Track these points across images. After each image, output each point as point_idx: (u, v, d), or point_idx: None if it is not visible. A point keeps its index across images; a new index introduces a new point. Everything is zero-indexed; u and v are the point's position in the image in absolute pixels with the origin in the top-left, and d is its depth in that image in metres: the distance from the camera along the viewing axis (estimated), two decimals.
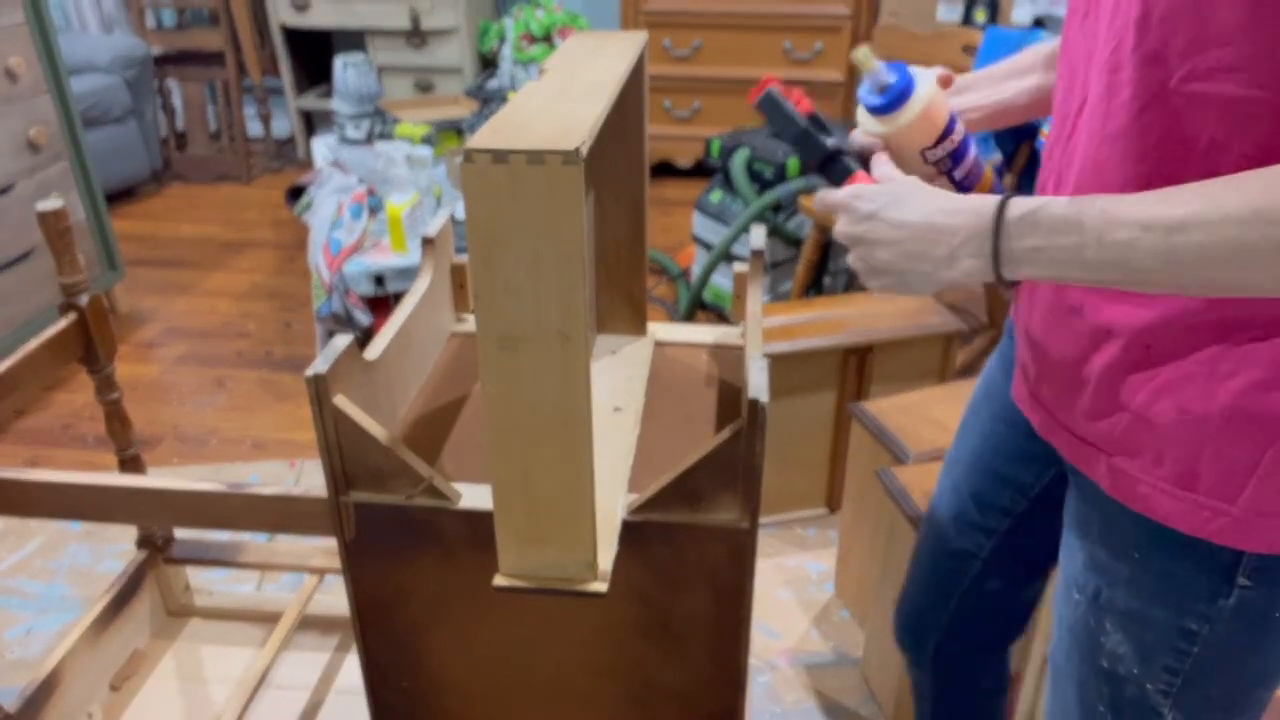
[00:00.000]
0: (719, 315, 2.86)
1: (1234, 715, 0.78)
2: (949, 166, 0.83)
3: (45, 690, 1.36)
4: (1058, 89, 0.77)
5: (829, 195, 0.76)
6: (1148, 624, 0.74)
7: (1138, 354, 0.69)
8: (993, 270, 0.66)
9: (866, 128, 0.83)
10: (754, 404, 0.87)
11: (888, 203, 0.71)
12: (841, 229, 0.75)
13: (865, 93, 0.82)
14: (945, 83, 0.85)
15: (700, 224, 2.83)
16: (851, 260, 0.76)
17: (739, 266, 1.19)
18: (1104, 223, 0.61)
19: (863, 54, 0.80)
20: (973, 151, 0.84)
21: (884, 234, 0.71)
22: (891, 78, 0.81)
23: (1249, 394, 0.64)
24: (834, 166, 0.86)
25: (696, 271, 2.81)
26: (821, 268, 2.64)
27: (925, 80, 0.82)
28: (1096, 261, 0.61)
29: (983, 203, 0.67)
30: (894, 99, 0.81)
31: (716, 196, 2.79)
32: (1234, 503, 0.66)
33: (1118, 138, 0.66)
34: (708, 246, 2.80)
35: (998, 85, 0.90)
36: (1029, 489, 0.95)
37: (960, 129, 0.83)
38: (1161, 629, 0.73)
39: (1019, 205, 0.65)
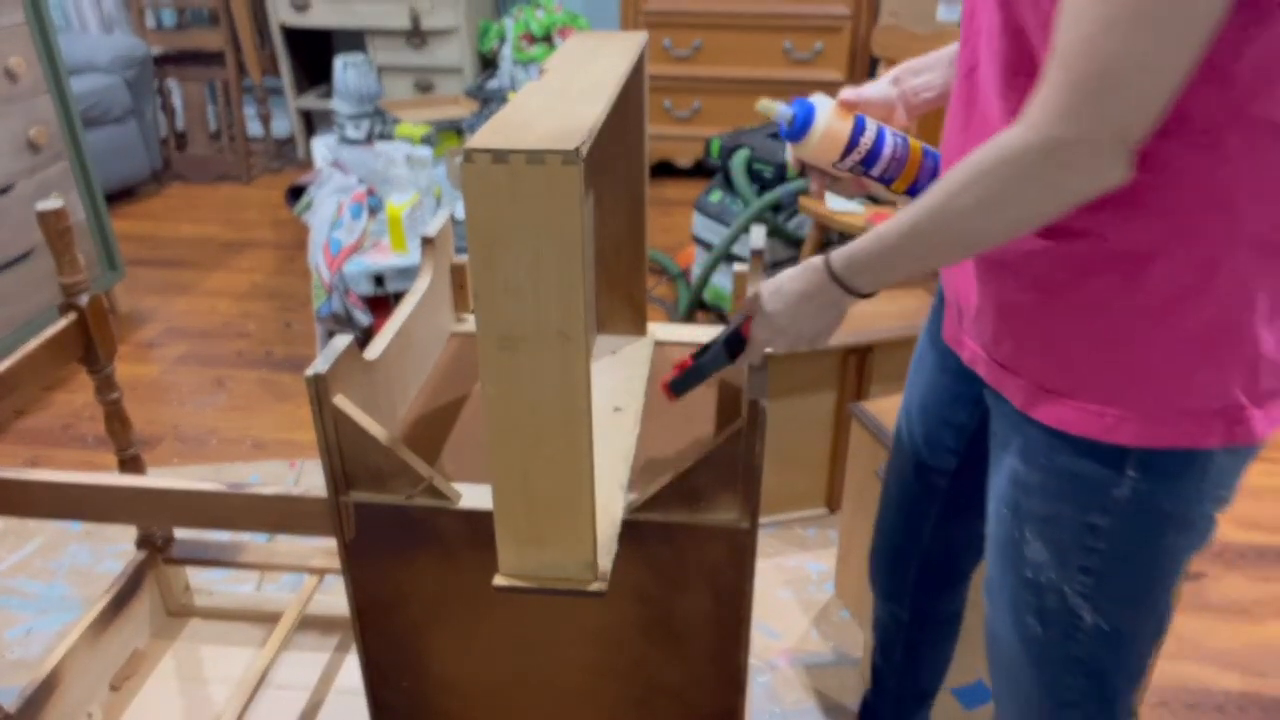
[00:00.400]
0: (719, 315, 2.86)
1: (1144, 611, 0.88)
2: (863, 170, 0.98)
3: (45, 690, 1.36)
4: (960, 51, 0.89)
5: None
6: (1058, 524, 0.85)
7: (1028, 283, 0.81)
8: (855, 295, 0.85)
9: (792, 154, 1.01)
10: (754, 404, 0.87)
11: (772, 316, 0.91)
12: (765, 335, 0.93)
13: (781, 132, 0.98)
14: (848, 106, 0.99)
15: (700, 224, 2.83)
16: (779, 345, 0.93)
17: (739, 266, 1.19)
18: (883, 236, 0.80)
19: (763, 105, 0.98)
20: (887, 149, 0.98)
21: (783, 328, 0.91)
22: (789, 114, 0.96)
23: (1120, 315, 0.77)
24: (726, 348, 1.00)
25: (696, 271, 2.81)
26: None
27: (823, 108, 0.96)
28: (905, 260, 0.80)
29: (813, 269, 0.87)
30: (797, 130, 0.96)
31: (716, 196, 2.79)
32: (1112, 405, 0.78)
33: (996, 98, 0.80)
34: (707, 246, 2.80)
35: (949, 66, 1.00)
36: (967, 428, 1.05)
37: (869, 136, 0.97)
38: (1070, 527, 0.84)
39: (837, 259, 0.85)
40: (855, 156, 0.97)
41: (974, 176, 0.72)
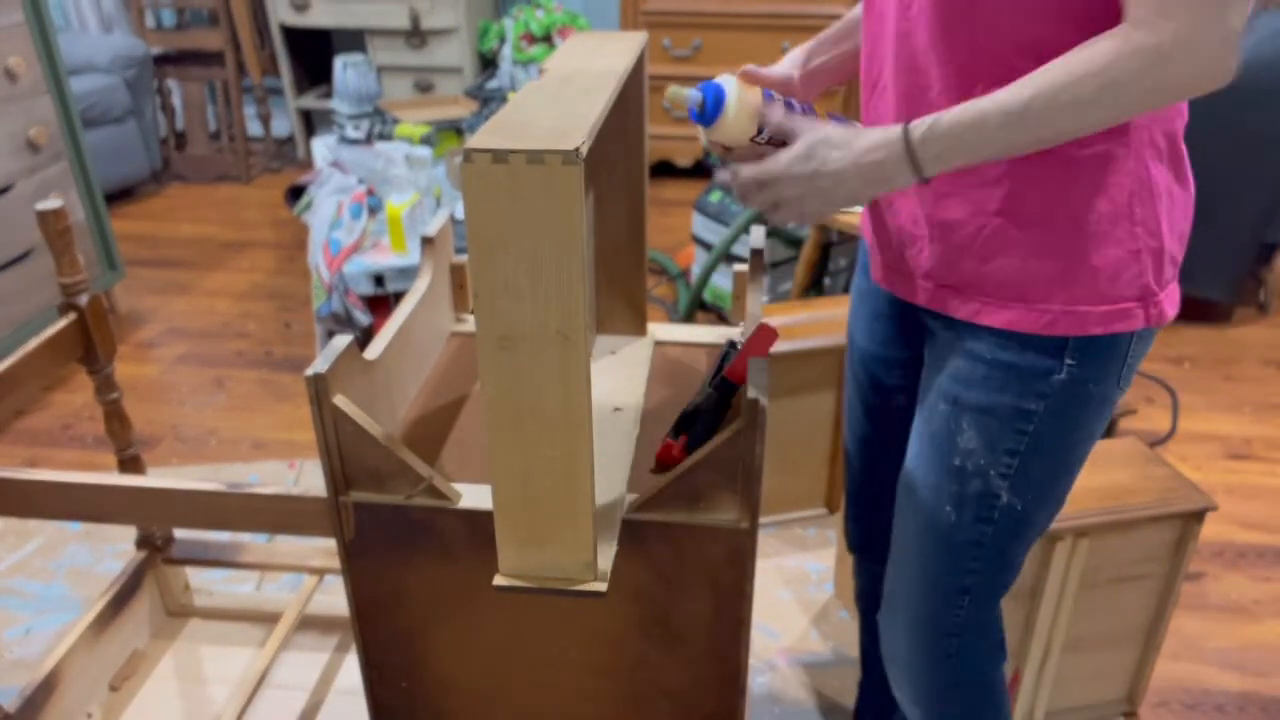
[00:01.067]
0: (719, 315, 2.86)
1: (1050, 494, 0.99)
2: (780, 142, 0.95)
3: (45, 690, 1.36)
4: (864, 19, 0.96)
5: (757, 176, 0.90)
6: (995, 411, 0.94)
7: (965, 203, 0.90)
8: (919, 177, 0.84)
9: (707, 138, 0.99)
10: (754, 404, 0.87)
11: (814, 170, 0.87)
12: (769, 198, 0.90)
13: (692, 116, 0.96)
14: (749, 79, 0.99)
15: (700, 224, 2.83)
16: (777, 218, 0.91)
17: (739, 266, 1.19)
18: (985, 113, 0.80)
19: (671, 93, 0.95)
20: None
21: (812, 188, 0.87)
22: (698, 98, 0.94)
23: (1061, 226, 0.87)
24: (717, 408, 1.01)
25: (696, 271, 2.81)
26: (821, 268, 2.64)
27: (730, 85, 0.95)
28: (992, 142, 0.81)
29: (887, 138, 0.84)
30: (710, 113, 0.94)
31: (716, 196, 2.79)
32: (1053, 303, 0.89)
33: (929, 49, 0.87)
34: (707, 246, 2.80)
35: (835, 44, 1.08)
36: (908, 361, 1.12)
37: (778, 108, 0.95)
38: (1007, 413, 0.94)
39: (917, 127, 0.83)
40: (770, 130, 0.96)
41: (1098, 69, 0.76)
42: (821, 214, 0.90)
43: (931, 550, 1.02)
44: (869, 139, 0.85)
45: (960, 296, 0.94)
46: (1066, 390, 0.92)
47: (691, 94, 0.96)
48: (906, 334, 1.10)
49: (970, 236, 0.91)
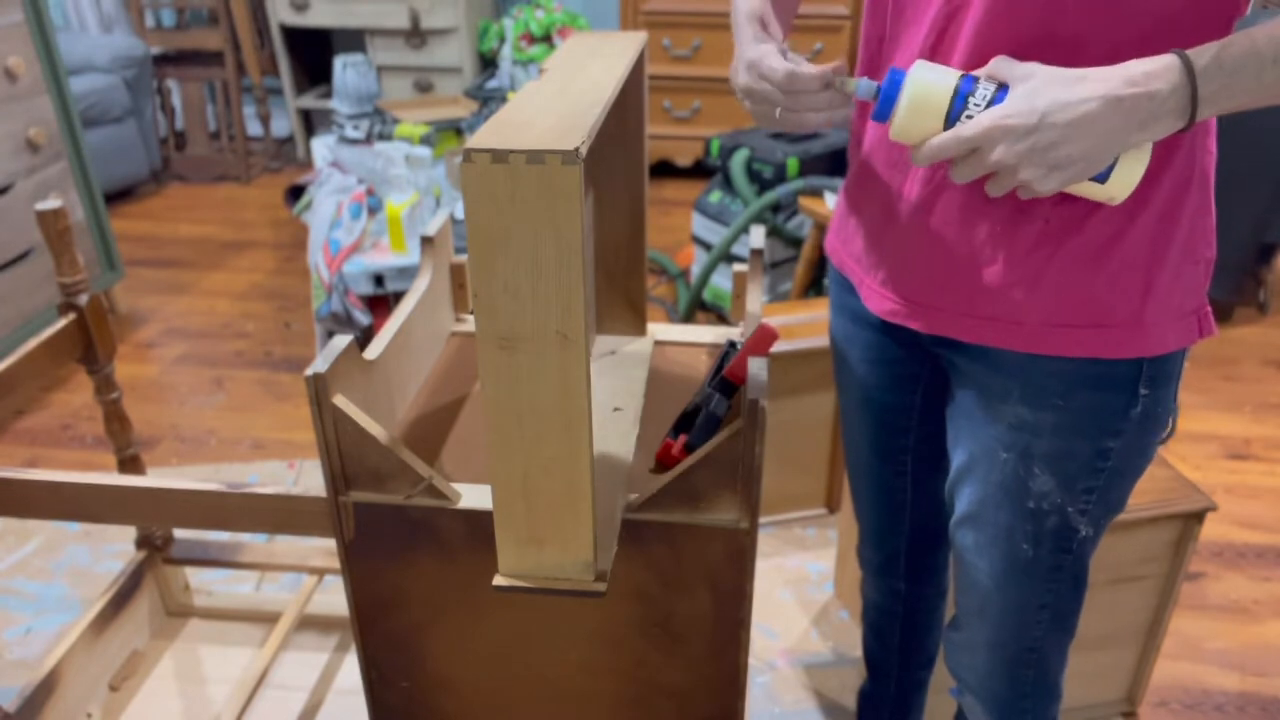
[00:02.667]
0: (719, 315, 2.86)
1: (1118, 510, 0.97)
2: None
3: (44, 690, 1.36)
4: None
5: (959, 135, 0.76)
6: (1071, 456, 0.90)
7: (1035, 222, 0.84)
8: (1188, 119, 0.73)
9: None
10: (754, 404, 0.87)
11: (1047, 107, 0.73)
12: (1002, 156, 0.74)
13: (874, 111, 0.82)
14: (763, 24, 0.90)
15: (700, 224, 2.83)
16: (1025, 176, 0.75)
17: (739, 266, 1.19)
18: (1258, 46, 0.71)
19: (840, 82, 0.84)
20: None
21: (1063, 133, 0.73)
22: (870, 89, 0.82)
23: (1124, 241, 0.83)
24: (716, 408, 0.98)
25: (696, 272, 2.81)
26: (821, 268, 2.64)
27: (910, 74, 0.79)
28: (1273, 80, 0.71)
29: (1164, 65, 0.72)
30: (881, 109, 0.81)
31: (716, 197, 2.79)
32: (1121, 324, 0.84)
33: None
34: (707, 247, 2.80)
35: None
36: (916, 404, 1.09)
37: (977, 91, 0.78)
38: (1084, 457, 0.89)
39: (1201, 55, 0.72)
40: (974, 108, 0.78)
41: None
42: (1083, 169, 0.74)
43: (1011, 582, 0.99)
44: (1133, 68, 0.72)
45: (1014, 325, 0.87)
46: (1141, 420, 0.89)
47: (863, 84, 0.82)
48: (913, 375, 1.06)
49: (1035, 258, 0.85)
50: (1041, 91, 0.73)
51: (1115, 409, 0.88)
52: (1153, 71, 0.72)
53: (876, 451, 1.16)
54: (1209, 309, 0.89)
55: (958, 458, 0.99)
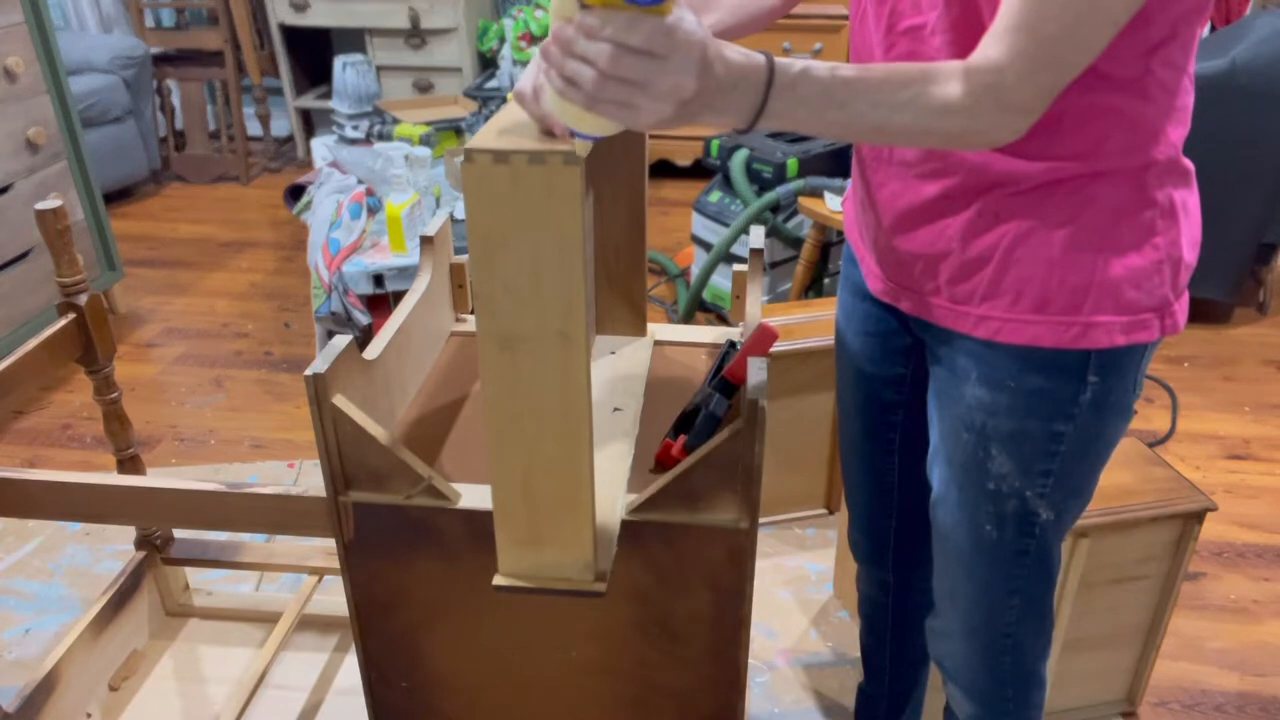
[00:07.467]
0: (719, 315, 2.86)
1: (1083, 496, 1.00)
2: None
3: (44, 690, 1.36)
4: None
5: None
6: (1025, 437, 0.93)
7: (988, 220, 0.88)
8: (749, 123, 0.73)
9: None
10: (753, 404, 0.87)
11: (681, 50, 0.66)
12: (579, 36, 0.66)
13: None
14: None
15: (699, 224, 2.83)
16: (576, 68, 0.66)
17: (739, 266, 1.19)
18: (845, 93, 0.74)
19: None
20: None
21: (646, 63, 0.65)
22: None
23: (1082, 239, 0.86)
24: (716, 408, 1.00)
25: (696, 272, 2.81)
26: (821, 268, 2.64)
27: None
28: (832, 122, 0.75)
29: (753, 66, 0.71)
30: None
31: (715, 197, 2.79)
32: (1077, 316, 0.87)
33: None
34: (707, 247, 2.80)
35: (734, 9, 0.99)
36: (905, 378, 1.11)
37: None
38: (1037, 438, 0.93)
39: (785, 71, 0.72)
40: None
41: (919, 106, 0.75)
42: (667, 98, 0.67)
43: (978, 563, 1.02)
44: (731, 50, 0.70)
45: (977, 313, 0.92)
46: (1092, 407, 0.92)
47: None
48: (903, 349, 1.09)
49: (989, 249, 0.90)
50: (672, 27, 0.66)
51: (1064, 395, 0.91)
52: (742, 57, 0.70)
53: (865, 429, 1.18)
54: (1176, 307, 0.91)
55: (932, 439, 1.03)
